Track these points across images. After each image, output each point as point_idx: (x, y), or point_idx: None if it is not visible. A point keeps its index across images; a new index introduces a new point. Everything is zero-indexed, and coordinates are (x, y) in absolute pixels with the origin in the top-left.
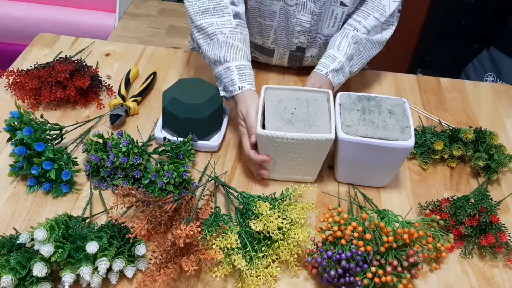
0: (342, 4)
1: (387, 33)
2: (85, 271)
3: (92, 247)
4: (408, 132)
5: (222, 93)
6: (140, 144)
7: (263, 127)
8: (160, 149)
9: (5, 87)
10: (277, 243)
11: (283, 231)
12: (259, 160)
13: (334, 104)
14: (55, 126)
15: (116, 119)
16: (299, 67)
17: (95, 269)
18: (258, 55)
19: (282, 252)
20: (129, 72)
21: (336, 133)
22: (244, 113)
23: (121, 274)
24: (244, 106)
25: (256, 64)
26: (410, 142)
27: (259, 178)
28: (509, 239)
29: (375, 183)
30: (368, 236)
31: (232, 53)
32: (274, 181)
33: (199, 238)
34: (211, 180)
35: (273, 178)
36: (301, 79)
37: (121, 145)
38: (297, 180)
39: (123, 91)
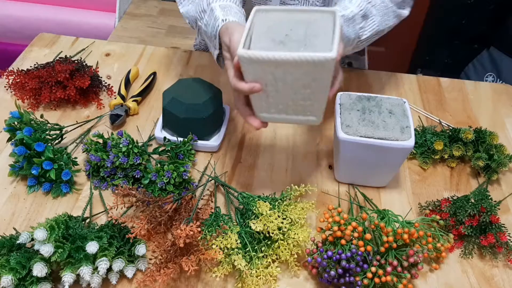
0: None
1: (405, 11)
2: (85, 271)
3: (92, 247)
4: (408, 132)
5: (214, 51)
6: (140, 144)
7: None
8: (160, 149)
9: (5, 87)
10: (277, 243)
11: (283, 231)
12: (245, 89)
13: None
14: (55, 126)
15: (116, 119)
16: None
17: (95, 269)
18: None
19: (282, 252)
20: (129, 72)
21: (335, 53)
22: (227, 41)
23: (121, 274)
24: (227, 34)
25: None
26: (410, 142)
27: (251, 123)
28: (509, 239)
29: (375, 183)
30: (368, 236)
31: None
32: (275, 180)
33: (199, 238)
34: (211, 180)
35: (268, 120)
36: None
37: (121, 145)
38: (299, 122)
39: (123, 91)
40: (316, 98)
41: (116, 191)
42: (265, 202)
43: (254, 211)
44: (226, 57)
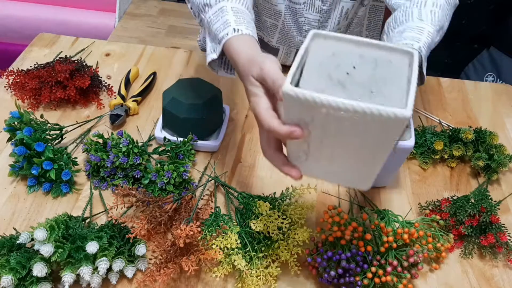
0: None
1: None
2: (85, 271)
3: (92, 247)
4: (408, 132)
5: (209, 55)
6: (140, 144)
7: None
8: (160, 149)
9: (5, 87)
10: (277, 243)
11: (283, 231)
12: (282, 132)
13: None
14: (55, 126)
15: (116, 119)
16: None
17: (95, 269)
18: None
19: (282, 252)
20: (129, 72)
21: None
22: (259, 72)
23: (121, 274)
24: (253, 66)
25: None
26: (410, 142)
27: (289, 174)
28: (509, 239)
29: (375, 183)
30: (368, 236)
31: None
32: (275, 181)
33: (199, 238)
34: (211, 180)
35: (308, 175)
36: None
37: (121, 145)
38: (343, 184)
39: (123, 91)
40: (370, 162)
41: (116, 191)
42: (265, 202)
43: (254, 211)
44: (254, 93)
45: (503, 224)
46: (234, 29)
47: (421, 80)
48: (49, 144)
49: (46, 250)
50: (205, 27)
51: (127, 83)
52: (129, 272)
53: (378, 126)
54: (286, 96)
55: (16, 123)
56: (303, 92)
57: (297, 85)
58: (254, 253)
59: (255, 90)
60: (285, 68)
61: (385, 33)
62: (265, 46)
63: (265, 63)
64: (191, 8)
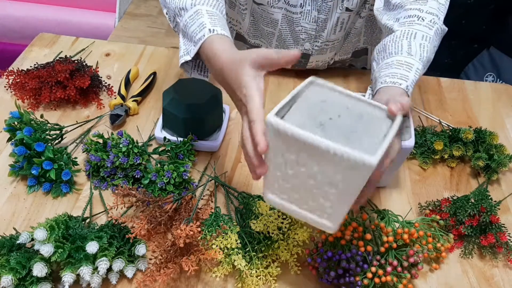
0: (347, 9)
1: (444, 26)
2: (85, 271)
3: (92, 247)
4: (408, 132)
5: (183, 57)
6: (140, 144)
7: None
8: (160, 149)
9: (5, 87)
10: (277, 243)
11: (283, 231)
12: (258, 139)
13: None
14: (55, 126)
15: (116, 119)
16: (302, 70)
17: (95, 269)
18: None
19: (282, 252)
20: (129, 72)
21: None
22: (254, 56)
23: (121, 274)
24: (232, 70)
25: None
26: (410, 142)
27: (254, 177)
28: (509, 239)
29: None
30: (368, 236)
31: None
32: None
33: (199, 238)
34: (211, 180)
35: (275, 205)
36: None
37: (121, 145)
38: (310, 222)
39: (123, 91)
40: (338, 202)
41: (116, 191)
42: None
43: (254, 211)
44: (240, 107)
45: (503, 224)
46: (210, 30)
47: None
48: (49, 144)
49: (46, 250)
50: (180, 31)
51: (127, 83)
52: (129, 272)
53: (346, 168)
54: (268, 125)
55: (16, 123)
56: (283, 125)
57: (282, 118)
58: (254, 253)
59: (251, 84)
60: (284, 72)
61: (374, 60)
62: None
63: (257, 50)
64: (167, 14)
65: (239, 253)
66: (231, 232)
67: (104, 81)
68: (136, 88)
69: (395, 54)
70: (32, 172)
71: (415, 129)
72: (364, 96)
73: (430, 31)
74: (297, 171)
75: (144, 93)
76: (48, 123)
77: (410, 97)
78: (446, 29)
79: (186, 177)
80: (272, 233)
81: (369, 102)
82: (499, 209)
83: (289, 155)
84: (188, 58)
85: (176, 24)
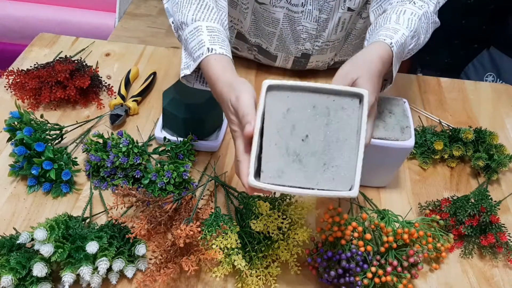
0: (349, 9)
1: (438, 20)
2: (85, 271)
3: (92, 247)
4: (408, 132)
5: (183, 71)
6: (140, 144)
7: (259, 164)
8: (160, 149)
9: (5, 87)
10: (277, 243)
11: (283, 231)
12: (245, 187)
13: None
14: (55, 126)
15: (116, 119)
16: (302, 70)
17: (95, 269)
18: (261, 58)
19: (282, 252)
20: (129, 72)
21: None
22: (234, 101)
23: (121, 274)
24: (231, 91)
25: (257, 65)
26: (410, 142)
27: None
28: (509, 239)
29: (375, 183)
30: (368, 236)
31: (203, 12)
32: None
33: (199, 238)
34: (211, 180)
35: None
36: (301, 80)
37: (121, 145)
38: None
39: (123, 91)
40: None
41: (116, 191)
42: (265, 202)
43: (254, 211)
44: (233, 122)
45: (503, 224)
46: (208, 49)
47: (390, 81)
48: (49, 144)
49: (46, 250)
50: (182, 44)
51: (127, 83)
52: (129, 272)
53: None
54: (250, 186)
55: (16, 123)
56: (265, 186)
57: (259, 161)
58: (254, 253)
59: (233, 120)
60: (284, 71)
61: (366, 39)
62: (264, 52)
63: (241, 96)
64: (172, 23)
65: (239, 253)
66: (231, 232)
67: (104, 81)
68: (136, 88)
69: (384, 24)
70: (32, 172)
71: (415, 129)
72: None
73: (419, 11)
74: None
75: (144, 93)
76: (48, 123)
77: (396, 60)
78: (438, 21)
79: (186, 177)
80: (272, 233)
81: (331, 89)
82: (499, 209)
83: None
84: (188, 72)
85: (179, 36)
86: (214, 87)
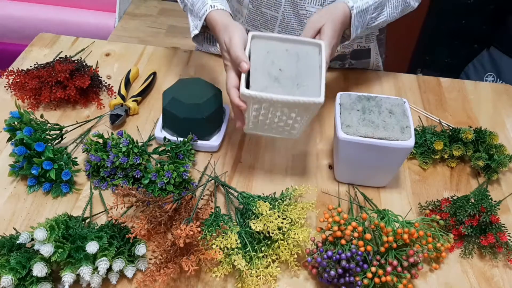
0: None
1: (415, 3)
2: (85, 271)
3: (92, 247)
4: (408, 132)
5: (192, 32)
6: (140, 144)
7: (248, 83)
8: (160, 149)
9: (5, 87)
10: (277, 243)
11: (283, 231)
12: (234, 103)
13: (325, 70)
14: (55, 126)
15: (116, 119)
16: None
17: (95, 269)
18: None
19: (282, 252)
20: (129, 72)
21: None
22: (227, 41)
23: (121, 274)
24: (225, 33)
25: None
26: (410, 142)
27: (238, 125)
28: (509, 239)
29: (375, 183)
30: (368, 236)
31: None
32: (275, 180)
33: (199, 238)
34: (211, 180)
35: (252, 132)
36: None
37: (121, 145)
38: (282, 136)
39: (123, 91)
40: (299, 124)
41: (116, 191)
42: (265, 202)
43: (254, 211)
44: (224, 57)
45: (503, 224)
46: (211, 6)
47: (348, 38)
48: (49, 144)
49: (46, 250)
50: (188, 10)
51: (127, 83)
52: (129, 272)
53: (303, 108)
54: (242, 96)
55: (16, 123)
56: (255, 93)
57: (248, 82)
58: (254, 253)
59: (225, 55)
60: None
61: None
62: None
63: (233, 37)
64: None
65: (239, 253)
66: (231, 232)
67: (104, 81)
68: (136, 88)
69: None
70: (32, 172)
71: (415, 129)
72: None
73: None
74: (267, 115)
75: (144, 93)
76: (48, 123)
77: (356, 19)
78: (413, 5)
79: (186, 177)
80: (272, 233)
81: (298, 39)
82: (499, 209)
83: (265, 108)
84: (196, 31)
85: (184, 5)
86: (214, 33)
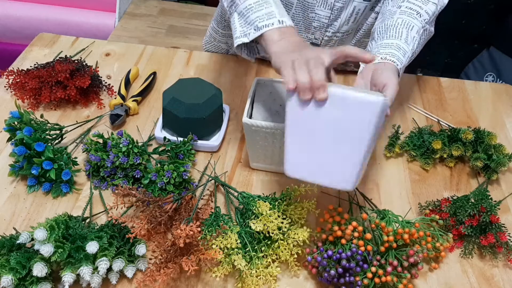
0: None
1: (433, 30)
2: (85, 271)
3: (92, 247)
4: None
5: (240, 39)
6: (140, 144)
7: (250, 117)
8: (160, 149)
9: (5, 87)
10: (277, 243)
11: (283, 231)
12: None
13: None
14: (55, 126)
15: (116, 119)
16: None
17: (95, 269)
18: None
19: (282, 252)
20: (129, 72)
21: None
22: (315, 57)
23: (121, 274)
24: (311, 49)
25: (260, 61)
26: (379, 98)
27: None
28: (509, 239)
29: (333, 178)
30: (368, 235)
31: None
32: (275, 181)
33: (199, 238)
34: (211, 180)
35: (260, 168)
36: None
37: (121, 145)
38: (281, 171)
39: (123, 91)
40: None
41: (116, 191)
42: (265, 202)
43: (254, 211)
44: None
45: (503, 224)
46: (279, 21)
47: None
48: (49, 144)
49: (46, 250)
50: (238, 12)
51: (127, 83)
52: (129, 272)
53: None
54: (244, 125)
55: (16, 123)
56: (255, 122)
57: (250, 116)
58: (254, 253)
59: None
60: None
61: (374, 39)
62: None
63: (325, 60)
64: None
65: (239, 253)
66: (231, 232)
67: (104, 81)
68: (136, 88)
69: (395, 38)
70: (32, 172)
71: (411, 131)
72: None
73: (422, 28)
74: (272, 146)
75: (144, 93)
76: (48, 123)
77: (399, 77)
78: (433, 32)
79: (186, 177)
80: (272, 233)
81: None
82: (499, 209)
83: (265, 138)
84: (246, 40)
85: (233, 4)
86: (289, 39)
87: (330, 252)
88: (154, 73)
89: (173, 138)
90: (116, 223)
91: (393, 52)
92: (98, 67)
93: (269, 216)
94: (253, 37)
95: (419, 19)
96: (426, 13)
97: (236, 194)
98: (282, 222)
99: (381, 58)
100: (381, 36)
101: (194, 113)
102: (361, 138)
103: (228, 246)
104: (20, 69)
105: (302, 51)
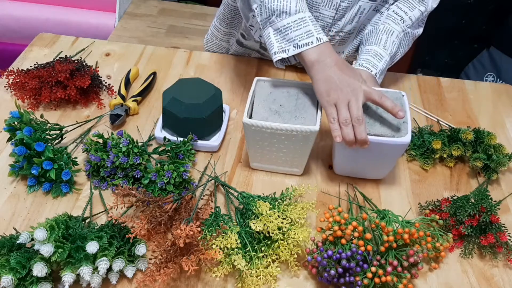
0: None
1: (420, 30)
2: (85, 271)
3: (92, 247)
4: (405, 127)
5: (279, 54)
6: (140, 144)
7: (250, 117)
8: (160, 149)
9: (5, 87)
10: (277, 243)
11: (283, 231)
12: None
13: None
14: (55, 126)
15: (116, 119)
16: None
17: (95, 269)
18: (267, 52)
19: (282, 252)
20: (129, 72)
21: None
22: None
23: (121, 274)
24: (355, 73)
25: (260, 61)
26: (406, 138)
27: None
28: (509, 239)
29: (372, 176)
30: (368, 235)
31: (302, 3)
32: (275, 181)
33: (199, 238)
34: (211, 180)
35: (260, 168)
36: (302, 77)
37: (121, 145)
38: (285, 172)
39: (123, 91)
40: (300, 156)
41: (116, 191)
42: (265, 202)
43: (254, 211)
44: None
45: (503, 224)
46: (317, 38)
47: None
48: (49, 144)
49: (46, 250)
50: (275, 29)
51: (127, 83)
52: (129, 272)
53: (301, 136)
54: (245, 126)
55: (16, 123)
56: (255, 122)
57: (250, 116)
58: (254, 253)
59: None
60: (288, 68)
61: (362, 44)
62: None
63: (371, 90)
64: (257, 8)
65: (239, 253)
66: (231, 232)
67: (104, 81)
68: (136, 88)
69: (374, 44)
70: (32, 172)
71: (412, 131)
72: (294, 80)
73: (402, 32)
74: (272, 146)
75: (144, 93)
76: (48, 123)
77: (379, 82)
78: (420, 33)
79: (186, 177)
80: (272, 233)
81: (297, 82)
82: (499, 209)
83: (266, 139)
84: (285, 56)
85: (268, 20)
86: (329, 58)
87: (330, 252)
88: (154, 73)
89: (173, 138)
90: (116, 223)
91: (369, 59)
92: (98, 67)
93: (269, 216)
94: (292, 54)
95: (401, 24)
96: (410, 19)
97: (236, 194)
98: (282, 222)
99: (359, 64)
100: (364, 42)
101: (194, 113)
102: (392, 160)
103: (228, 246)
104: (20, 69)
105: (343, 87)
